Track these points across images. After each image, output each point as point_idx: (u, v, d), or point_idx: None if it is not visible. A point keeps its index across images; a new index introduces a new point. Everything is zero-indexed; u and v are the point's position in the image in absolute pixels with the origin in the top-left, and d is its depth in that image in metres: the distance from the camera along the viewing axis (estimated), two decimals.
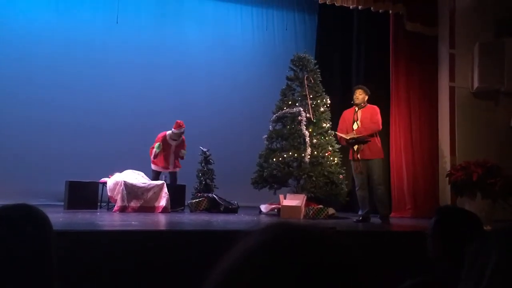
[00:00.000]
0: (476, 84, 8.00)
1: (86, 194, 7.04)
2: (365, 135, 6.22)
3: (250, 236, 0.65)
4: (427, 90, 8.33)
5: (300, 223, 0.67)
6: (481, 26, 8.17)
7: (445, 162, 8.01)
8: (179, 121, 7.77)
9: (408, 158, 8.07)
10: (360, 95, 6.43)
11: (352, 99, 6.55)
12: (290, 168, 7.14)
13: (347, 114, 6.53)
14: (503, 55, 7.94)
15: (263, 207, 7.32)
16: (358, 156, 6.22)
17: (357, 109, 6.42)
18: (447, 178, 6.56)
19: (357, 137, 6.21)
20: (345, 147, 6.72)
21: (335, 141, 7.36)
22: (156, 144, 7.72)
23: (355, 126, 6.33)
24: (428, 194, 7.98)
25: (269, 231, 0.65)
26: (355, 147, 6.26)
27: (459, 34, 8.17)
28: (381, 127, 6.44)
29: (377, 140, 6.38)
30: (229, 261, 0.63)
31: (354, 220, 6.38)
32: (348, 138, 6.24)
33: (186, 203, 7.75)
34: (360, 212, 6.40)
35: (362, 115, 6.36)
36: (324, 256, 0.61)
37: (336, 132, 6.54)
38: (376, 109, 6.47)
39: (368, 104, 6.49)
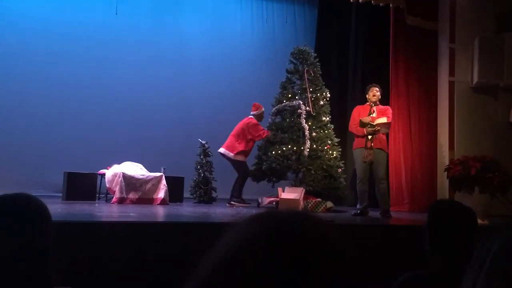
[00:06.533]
0: (475, 79, 7.98)
1: (84, 185, 7.05)
2: (383, 125, 6.31)
3: (237, 228, 0.64)
4: (426, 84, 8.31)
5: (289, 212, 0.64)
6: (481, 20, 8.14)
7: (444, 156, 8.01)
8: (255, 103, 7.62)
9: (406, 152, 8.07)
10: (377, 92, 6.55)
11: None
12: (289, 161, 7.14)
13: (362, 109, 6.58)
14: (502, 50, 7.92)
15: (262, 200, 7.33)
16: (372, 144, 6.26)
17: (373, 105, 6.49)
18: (445, 172, 6.56)
19: (378, 126, 6.25)
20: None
21: (334, 135, 7.37)
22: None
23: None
24: (426, 188, 7.99)
25: (256, 224, 0.63)
26: (370, 136, 6.29)
27: (459, 28, 8.15)
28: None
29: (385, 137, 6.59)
30: (216, 254, 0.62)
31: (352, 213, 6.40)
32: (375, 124, 6.26)
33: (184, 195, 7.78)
34: (358, 206, 6.42)
35: (377, 111, 6.45)
36: (314, 250, 0.59)
37: (361, 119, 6.42)
38: (390, 108, 6.75)
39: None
